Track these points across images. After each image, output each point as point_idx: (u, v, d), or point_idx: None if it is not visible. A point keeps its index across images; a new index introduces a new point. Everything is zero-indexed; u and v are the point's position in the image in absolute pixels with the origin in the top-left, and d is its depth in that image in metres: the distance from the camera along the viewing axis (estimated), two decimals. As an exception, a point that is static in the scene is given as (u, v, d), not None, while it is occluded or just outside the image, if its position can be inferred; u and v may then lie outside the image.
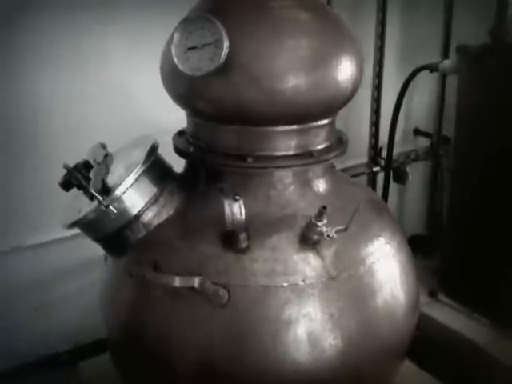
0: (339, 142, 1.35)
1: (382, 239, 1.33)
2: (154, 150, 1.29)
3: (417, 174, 2.79)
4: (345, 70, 1.23)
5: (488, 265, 1.95)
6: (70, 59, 1.82)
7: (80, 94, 1.86)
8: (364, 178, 2.59)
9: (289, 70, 1.17)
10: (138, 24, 1.88)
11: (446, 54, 2.54)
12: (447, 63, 1.96)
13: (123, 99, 1.94)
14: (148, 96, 1.79)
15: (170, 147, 1.37)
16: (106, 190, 1.23)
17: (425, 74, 2.19)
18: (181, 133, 1.40)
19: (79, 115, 1.86)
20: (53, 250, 1.92)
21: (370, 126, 2.51)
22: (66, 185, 1.18)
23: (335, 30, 1.26)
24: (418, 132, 2.77)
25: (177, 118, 1.38)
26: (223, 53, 1.12)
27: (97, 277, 1.45)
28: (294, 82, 1.16)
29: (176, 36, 1.15)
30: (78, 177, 1.17)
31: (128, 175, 1.23)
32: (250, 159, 1.22)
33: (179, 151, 1.32)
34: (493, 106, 1.89)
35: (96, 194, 1.17)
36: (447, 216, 2.22)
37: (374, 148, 2.51)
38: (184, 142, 1.35)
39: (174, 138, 1.38)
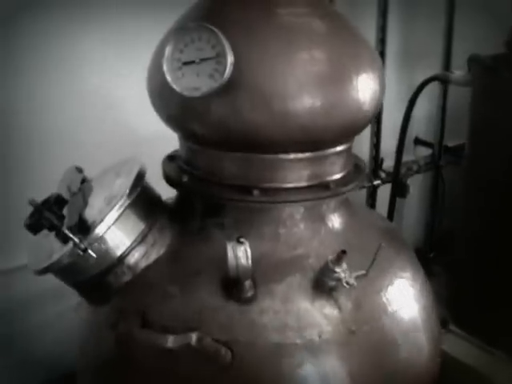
0: (357, 170, 1.18)
1: (404, 281, 1.17)
2: (140, 178, 1.11)
3: (416, 184, 2.67)
4: (367, 87, 1.06)
5: (506, 292, 1.81)
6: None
7: (51, 104, 1.70)
8: (363, 192, 2.44)
9: (304, 89, 1.00)
10: (118, 24, 1.72)
11: (447, 61, 2.40)
12: (459, 74, 1.82)
13: (102, 109, 1.78)
14: (132, 104, 1.64)
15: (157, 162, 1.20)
16: (84, 229, 1.05)
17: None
18: (171, 157, 1.22)
19: (54, 129, 1.71)
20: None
21: (370, 135, 2.36)
22: (35, 227, 1.00)
23: (354, 41, 1.10)
24: (418, 141, 2.63)
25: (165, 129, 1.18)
26: (227, 69, 0.94)
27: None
28: (309, 102, 1.00)
29: (168, 48, 0.98)
30: (48, 217, 0.99)
31: (110, 210, 1.05)
32: (255, 192, 1.05)
33: (170, 180, 1.14)
34: (509, 118, 1.76)
35: (72, 236, 0.99)
36: (458, 236, 2.07)
37: (375, 159, 2.36)
38: (176, 168, 1.17)
39: (163, 164, 1.20)
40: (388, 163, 2.46)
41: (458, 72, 1.85)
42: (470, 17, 2.41)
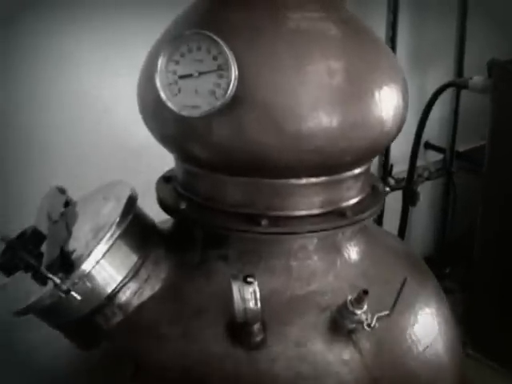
0: (375, 193, 1.05)
1: (430, 317, 1.05)
2: (131, 203, 0.99)
3: (425, 191, 2.56)
4: (390, 102, 0.94)
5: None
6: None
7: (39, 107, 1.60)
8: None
9: (319, 106, 0.87)
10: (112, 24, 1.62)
11: (460, 65, 2.29)
12: (478, 80, 1.70)
13: (102, 110, 1.69)
14: (133, 105, 1.52)
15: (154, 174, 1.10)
16: (67, 266, 0.92)
17: (436, 83, 1.96)
18: (167, 178, 1.09)
19: (41, 144, 1.62)
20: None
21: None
22: (8, 267, 0.87)
23: (374, 50, 0.98)
24: (428, 146, 2.51)
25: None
26: (230, 85, 0.82)
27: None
28: (326, 121, 0.87)
29: (162, 60, 0.85)
30: (23, 256, 0.86)
31: (98, 242, 0.92)
32: (264, 222, 0.93)
33: (166, 207, 1.02)
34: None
35: (51, 277, 0.87)
36: (477, 251, 1.95)
37: (384, 166, 2.24)
38: (172, 192, 1.04)
39: (158, 186, 1.07)
40: (397, 169, 2.35)
41: (477, 77, 1.73)
42: (482, 20, 2.29)
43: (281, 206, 0.94)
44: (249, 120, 0.86)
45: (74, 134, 1.67)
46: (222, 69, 0.82)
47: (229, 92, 0.81)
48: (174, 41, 0.84)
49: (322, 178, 0.95)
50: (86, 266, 0.90)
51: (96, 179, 1.06)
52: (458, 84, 1.83)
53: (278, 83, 0.86)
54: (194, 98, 0.84)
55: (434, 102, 1.79)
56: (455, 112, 2.43)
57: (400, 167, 2.33)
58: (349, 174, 0.98)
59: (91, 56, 1.62)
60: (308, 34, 0.91)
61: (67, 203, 1.05)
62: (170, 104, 0.84)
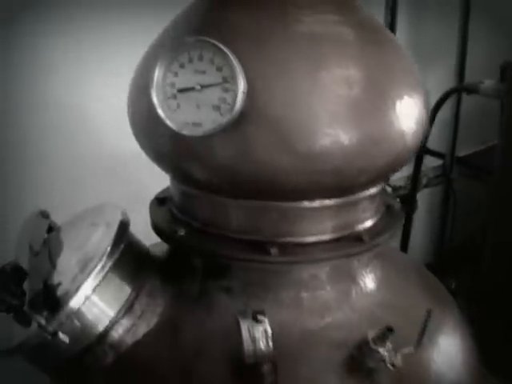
0: (391, 214, 0.97)
1: (454, 349, 0.98)
2: (123, 230, 0.91)
3: (423, 197, 2.49)
4: (412, 114, 0.86)
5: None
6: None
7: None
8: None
9: (337, 121, 0.79)
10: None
11: (462, 67, 2.22)
12: (490, 84, 1.62)
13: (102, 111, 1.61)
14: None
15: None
16: (52, 303, 0.84)
17: (436, 86, 1.90)
18: (161, 200, 1.00)
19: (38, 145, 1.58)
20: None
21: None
22: (-13, 310, 0.78)
23: (393, 55, 0.89)
24: (427, 151, 2.44)
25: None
26: (238, 100, 0.73)
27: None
28: (344, 138, 0.79)
29: (158, 71, 0.76)
30: (4, 298, 0.77)
31: (88, 277, 0.84)
32: (273, 250, 0.84)
33: (162, 233, 0.93)
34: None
35: (36, 317, 0.78)
36: (486, 263, 1.88)
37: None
38: (168, 218, 0.96)
39: (152, 209, 0.99)
40: (394, 176, 2.28)
41: (489, 81, 1.65)
42: (483, 21, 2.23)
43: (291, 232, 0.86)
44: (257, 138, 0.78)
45: (73, 133, 1.64)
46: (228, 81, 0.73)
47: (236, 108, 0.73)
48: (172, 49, 0.75)
49: (336, 200, 0.87)
50: (75, 304, 0.82)
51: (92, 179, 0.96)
52: (467, 88, 1.75)
53: (290, 96, 0.77)
54: (196, 114, 0.75)
55: (440, 107, 1.71)
56: (456, 116, 2.36)
57: (396, 174, 2.25)
58: (365, 194, 0.90)
59: (90, 55, 1.59)
60: (323, 39, 0.83)
61: (50, 228, 0.96)
62: (167, 121, 0.75)
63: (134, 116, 0.90)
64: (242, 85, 0.72)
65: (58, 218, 0.95)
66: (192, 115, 0.75)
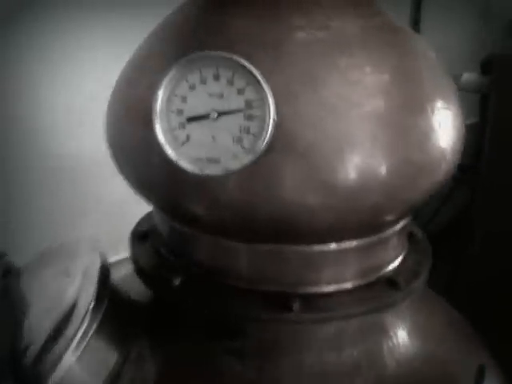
0: (416, 245, 0.87)
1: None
2: (106, 282, 0.76)
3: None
4: (451, 129, 0.74)
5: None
6: None
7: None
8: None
9: (379, 148, 0.67)
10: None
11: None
12: (472, 77, 1.53)
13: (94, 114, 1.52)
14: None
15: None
16: (23, 375, 0.69)
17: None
18: (143, 236, 0.86)
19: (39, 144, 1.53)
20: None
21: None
22: None
23: (426, 62, 0.78)
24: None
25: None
26: (267, 129, 0.59)
27: None
28: (384, 167, 0.67)
29: (162, 93, 0.61)
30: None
31: (69, 344, 0.70)
32: (295, 305, 0.72)
33: (149, 280, 0.79)
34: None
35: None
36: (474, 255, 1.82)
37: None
38: (155, 258, 0.82)
39: (131, 247, 0.84)
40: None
41: (468, 74, 1.56)
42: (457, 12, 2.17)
43: (315, 280, 0.74)
44: (283, 171, 0.65)
45: (71, 133, 1.58)
46: (253, 106, 0.60)
47: (264, 139, 0.60)
48: (177, 67, 0.60)
49: (368, 239, 0.75)
50: (56, 379, 0.67)
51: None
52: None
53: (321, 118, 0.65)
54: (212, 148, 0.61)
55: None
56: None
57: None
58: (395, 228, 0.78)
59: (87, 55, 1.54)
60: (352, 47, 0.70)
61: (7, 272, 0.81)
62: (173, 157, 0.61)
63: (114, 139, 0.75)
64: (271, 110, 0.59)
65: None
66: (206, 149, 0.61)
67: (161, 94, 0.61)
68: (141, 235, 0.87)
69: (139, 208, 0.89)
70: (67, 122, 1.59)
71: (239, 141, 0.61)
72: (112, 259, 1.37)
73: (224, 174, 0.60)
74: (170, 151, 0.62)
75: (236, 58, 0.60)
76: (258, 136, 0.60)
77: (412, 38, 0.80)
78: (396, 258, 0.81)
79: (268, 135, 0.60)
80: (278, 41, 0.68)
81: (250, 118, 0.61)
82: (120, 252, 1.58)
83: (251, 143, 0.61)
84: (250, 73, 0.59)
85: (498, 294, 1.73)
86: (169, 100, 0.62)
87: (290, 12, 0.70)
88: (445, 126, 0.75)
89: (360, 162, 0.67)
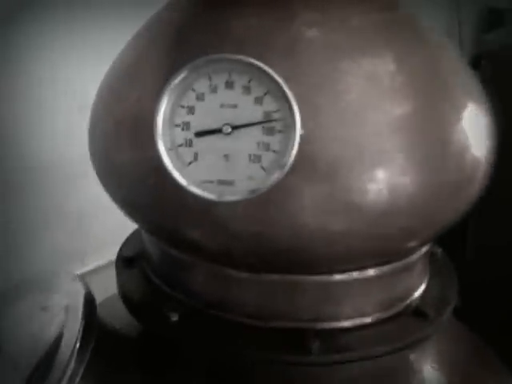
0: (438, 266, 0.79)
1: None
2: (92, 318, 0.67)
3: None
4: (486, 141, 0.67)
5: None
6: None
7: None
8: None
9: (408, 162, 0.59)
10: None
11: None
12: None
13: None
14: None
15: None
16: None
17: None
18: (130, 260, 0.77)
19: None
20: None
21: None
22: None
23: (454, 62, 0.69)
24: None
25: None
26: (292, 147, 0.50)
27: None
28: (419, 186, 0.58)
29: (165, 104, 0.52)
30: None
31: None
32: (315, 345, 0.63)
33: (141, 315, 0.69)
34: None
35: None
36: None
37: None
38: (146, 289, 0.72)
39: (118, 275, 0.75)
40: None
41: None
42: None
43: (335, 314, 0.66)
44: (304, 195, 0.57)
45: (68, 133, 1.46)
46: (273, 118, 0.51)
47: (289, 158, 0.50)
48: (182, 73, 0.50)
49: (394, 265, 0.66)
50: None
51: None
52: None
53: (347, 132, 0.56)
54: (224, 168, 0.53)
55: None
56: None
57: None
58: (421, 251, 0.70)
59: (87, 55, 1.46)
60: (374, 47, 0.62)
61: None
62: (178, 179, 0.52)
63: (100, 155, 0.65)
64: (297, 122, 0.50)
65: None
66: (218, 170, 0.53)
67: (163, 106, 0.52)
68: (127, 260, 0.78)
69: (108, 218, 0.81)
70: (68, 124, 1.49)
71: (257, 160, 0.53)
72: (78, 272, 1.31)
73: (240, 200, 0.51)
74: (173, 172, 0.52)
75: (254, 61, 0.50)
76: (280, 153, 0.52)
77: (438, 37, 0.72)
78: (421, 283, 0.74)
79: (294, 152, 0.51)
80: (291, 41, 0.59)
81: (270, 132, 0.52)
82: (86, 264, 1.49)
83: (272, 162, 0.52)
84: (271, 78, 0.50)
85: (493, 299, 1.68)
86: (173, 112, 0.53)
87: (304, 7, 0.61)
88: (480, 136, 0.67)
89: (391, 179, 0.59)
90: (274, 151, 0.53)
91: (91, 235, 1.49)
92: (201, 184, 0.53)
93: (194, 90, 0.53)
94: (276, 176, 0.52)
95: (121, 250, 0.80)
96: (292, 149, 0.51)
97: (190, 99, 0.54)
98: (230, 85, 0.53)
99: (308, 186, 0.57)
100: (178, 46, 0.61)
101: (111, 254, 1.30)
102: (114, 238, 0.86)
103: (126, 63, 0.65)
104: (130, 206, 0.68)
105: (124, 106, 0.62)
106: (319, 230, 0.59)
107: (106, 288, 0.81)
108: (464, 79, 0.70)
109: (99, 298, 0.73)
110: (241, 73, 0.52)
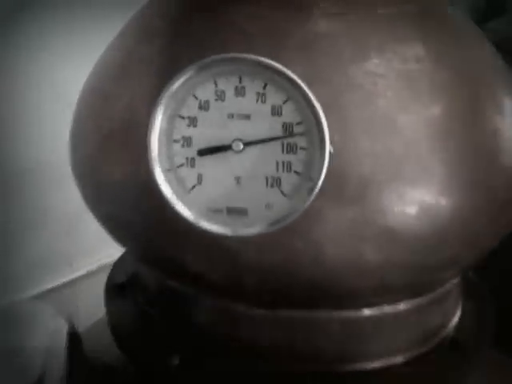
0: (471, 287, 0.69)
1: None
2: (76, 356, 0.59)
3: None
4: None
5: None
6: None
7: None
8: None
9: (453, 177, 0.49)
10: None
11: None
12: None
13: None
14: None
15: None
16: None
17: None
18: (121, 287, 0.66)
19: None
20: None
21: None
22: None
23: (490, 59, 0.59)
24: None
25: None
26: (321, 167, 0.40)
27: None
28: (469, 207, 0.48)
29: (161, 115, 0.41)
30: None
31: None
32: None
33: (134, 355, 0.59)
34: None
35: None
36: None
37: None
38: (138, 323, 0.62)
39: (108, 306, 0.64)
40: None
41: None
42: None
43: (363, 354, 0.56)
44: (331, 222, 0.45)
45: (65, 134, 1.35)
46: (295, 132, 0.40)
47: (317, 181, 0.39)
48: (182, 76, 0.40)
49: (428, 296, 0.56)
50: None
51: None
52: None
53: (383, 143, 0.46)
54: (235, 194, 0.42)
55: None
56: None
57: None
58: (457, 278, 0.60)
59: (88, 56, 1.32)
60: (409, 45, 0.52)
61: None
62: (179, 208, 0.41)
63: (84, 170, 0.55)
64: (325, 136, 0.39)
65: None
66: (227, 196, 0.42)
67: (158, 117, 0.41)
68: (118, 286, 0.67)
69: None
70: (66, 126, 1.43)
71: (276, 183, 0.42)
72: (66, 278, 1.22)
73: (255, 234, 0.40)
74: (172, 200, 0.42)
75: (270, 62, 0.40)
76: (304, 175, 0.41)
77: (474, 29, 0.62)
78: (457, 311, 0.64)
79: (323, 173, 0.40)
80: (310, 35, 0.48)
81: (291, 148, 0.42)
82: (75, 270, 1.40)
83: (295, 186, 0.41)
84: (292, 82, 0.39)
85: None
86: (170, 125, 0.42)
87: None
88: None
89: (432, 199, 0.49)
90: (296, 173, 0.42)
91: (80, 239, 1.41)
92: (206, 213, 0.43)
93: (196, 97, 0.43)
94: (301, 204, 0.41)
95: (110, 275, 0.69)
96: (320, 170, 0.40)
97: (191, 108, 0.43)
98: (240, 91, 0.43)
99: (336, 209, 0.47)
100: (175, 45, 0.50)
101: (102, 258, 1.20)
102: (106, 241, 0.77)
103: (113, 63, 0.55)
104: (119, 232, 0.57)
105: (111, 113, 0.51)
106: (348, 261, 0.49)
107: (98, 294, 0.72)
108: (503, 77, 0.60)
109: (90, 304, 0.67)
110: (254, 76, 0.42)
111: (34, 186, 1.42)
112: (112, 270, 0.71)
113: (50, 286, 1.31)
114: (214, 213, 0.44)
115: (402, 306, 0.56)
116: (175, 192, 0.44)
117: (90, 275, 1.45)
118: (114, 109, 0.53)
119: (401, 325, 0.58)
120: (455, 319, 0.64)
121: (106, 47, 0.59)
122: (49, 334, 0.61)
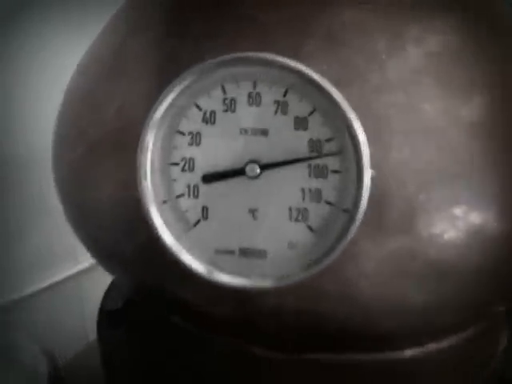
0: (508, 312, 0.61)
1: None
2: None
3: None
4: None
5: None
6: None
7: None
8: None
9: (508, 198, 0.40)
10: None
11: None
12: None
13: None
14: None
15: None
16: None
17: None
18: (115, 315, 0.58)
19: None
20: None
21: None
22: None
23: None
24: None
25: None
26: (360, 195, 0.30)
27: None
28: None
29: (154, 128, 0.32)
30: None
31: None
32: None
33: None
34: None
35: None
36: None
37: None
38: (135, 363, 0.54)
39: (101, 340, 0.56)
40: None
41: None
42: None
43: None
44: (371, 257, 0.36)
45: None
46: (323, 153, 0.30)
47: (355, 214, 0.30)
48: (182, 81, 0.30)
49: (475, 329, 0.47)
50: None
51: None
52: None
53: (433, 164, 0.38)
54: (250, 231, 0.32)
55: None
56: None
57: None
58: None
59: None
60: (449, 29, 0.43)
61: None
62: (177, 251, 0.31)
63: (69, 190, 0.45)
64: (364, 156, 0.30)
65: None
66: (240, 234, 0.33)
67: (152, 133, 0.31)
68: (111, 314, 0.58)
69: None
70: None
71: (302, 216, 0.32)
72: (71, 271, 1.17)
73: (275, 285, 0.31)
74: (169, 242, 0.32)
75: (292, 62, 0.30)
76: (337, 206, 0.31)
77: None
78: (503, 342, 0.54)
79: (362, 203, 0.30)
80: (334, 27, 0.39)
81: (320, 172, 0.32)
82: (80, 262, 1.36)
83: (325, 220, 0.33)
84: (320, 88, 0.30)
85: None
86: (167, 142, 0.32)
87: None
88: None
89: (491, 224, 0.39)
90: (328, 203, 0.32)
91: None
92: (213, 256, 0.33)
93: (199, 107, 0.33)
94: (333, 242, 0.32)
95: (104, 301, 0.60)
96: (358, 198, 0.31)
97: (193, 122, 0.33)
98: (255, 99, 0.33)
99: (373, 241, 0.38)
100: (173, 43, 0.40)
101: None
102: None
103: (98, 64, 0.45)
104: (108, 261, 0.48)
105: (99, 118, 0.42)
106: (388, 302, 0.39)
107: (103, 287, 0.68)
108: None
109: (93, 297, 0.63)
110: (272, 80, 0.32)
111: (38, 177, 1.39)
112: (105, 295, 0.63)
113: (54, 279, 1.29)
114: (223, 255, 0.34)
115: (446, 343, 0.47)
116: (173, 230, 0.34)
117: (94, 268, 1.43)
118: (102, 114, 0.44)
119: (446, 363, 0.49)
120: (501, 348, 0.55)
121: (90, 44, 0.49)
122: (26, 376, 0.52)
